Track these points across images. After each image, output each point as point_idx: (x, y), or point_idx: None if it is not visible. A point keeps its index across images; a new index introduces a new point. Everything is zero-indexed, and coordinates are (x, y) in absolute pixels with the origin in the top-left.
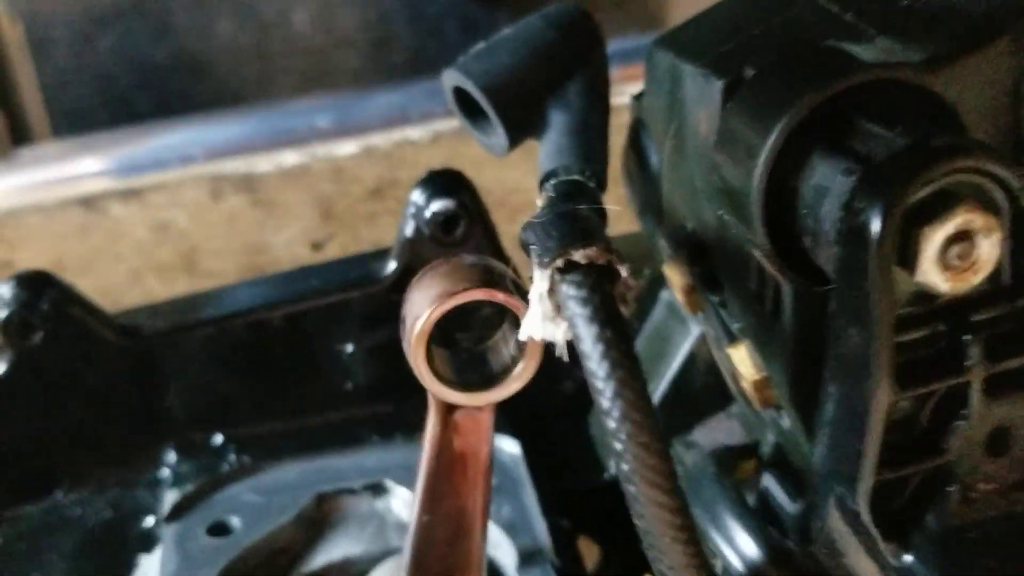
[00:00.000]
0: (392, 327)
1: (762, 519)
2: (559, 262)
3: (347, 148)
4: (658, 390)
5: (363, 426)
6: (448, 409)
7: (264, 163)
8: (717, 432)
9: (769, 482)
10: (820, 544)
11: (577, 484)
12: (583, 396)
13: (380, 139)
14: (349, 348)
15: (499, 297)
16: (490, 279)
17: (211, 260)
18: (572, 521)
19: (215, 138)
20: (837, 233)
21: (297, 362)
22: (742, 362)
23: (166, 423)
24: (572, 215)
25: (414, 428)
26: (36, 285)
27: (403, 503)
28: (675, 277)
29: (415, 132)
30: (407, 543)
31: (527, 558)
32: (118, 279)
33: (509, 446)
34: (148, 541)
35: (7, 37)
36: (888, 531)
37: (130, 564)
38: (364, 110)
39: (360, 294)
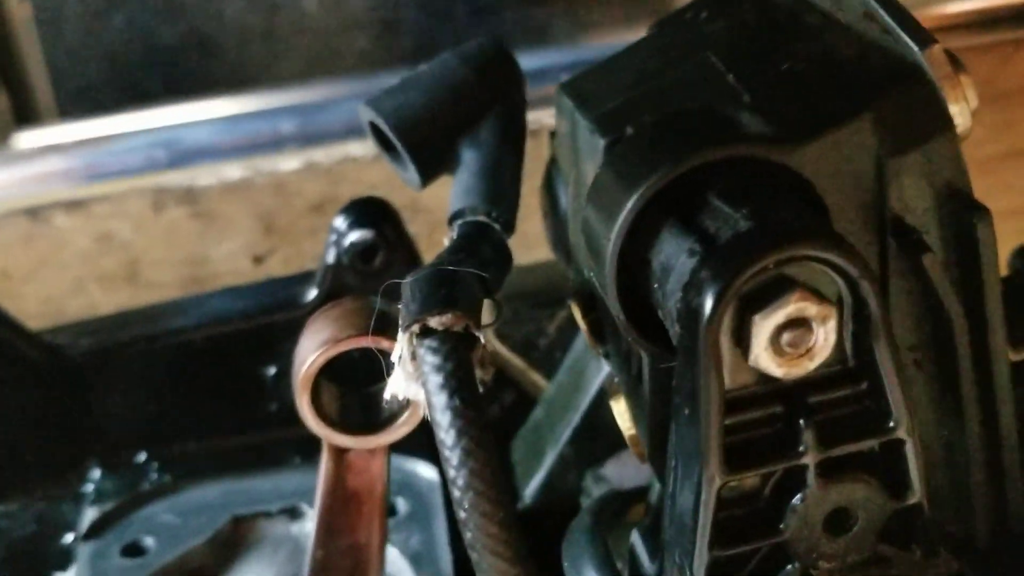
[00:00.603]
0: None
1: None
2: (415, 327)
3: (290, 163)
4: (573, 422)
5: (285, 448)
6: (340, 449)
7: (206, 176)
8: (627, 467)
9: (635, 539)
10: None
11: None
12: (508, 421)
13: (322, 155)
14: (272, 370)
15: (384, 345)
16: (379, 325)
17: (153, 271)
18: None
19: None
20: (677, 312)
21: (221, 383)
22: (621, 415)
23: (92, 440)
24: (440, 277)
25: None
26: None
27: None
28: (578, 317)
29: (354, 147)
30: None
31: None
32: (62, 288)
33: (426, 471)
34: (65, 559)
35: (15, 15)
36: None
37: None
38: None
39: (283, 318)
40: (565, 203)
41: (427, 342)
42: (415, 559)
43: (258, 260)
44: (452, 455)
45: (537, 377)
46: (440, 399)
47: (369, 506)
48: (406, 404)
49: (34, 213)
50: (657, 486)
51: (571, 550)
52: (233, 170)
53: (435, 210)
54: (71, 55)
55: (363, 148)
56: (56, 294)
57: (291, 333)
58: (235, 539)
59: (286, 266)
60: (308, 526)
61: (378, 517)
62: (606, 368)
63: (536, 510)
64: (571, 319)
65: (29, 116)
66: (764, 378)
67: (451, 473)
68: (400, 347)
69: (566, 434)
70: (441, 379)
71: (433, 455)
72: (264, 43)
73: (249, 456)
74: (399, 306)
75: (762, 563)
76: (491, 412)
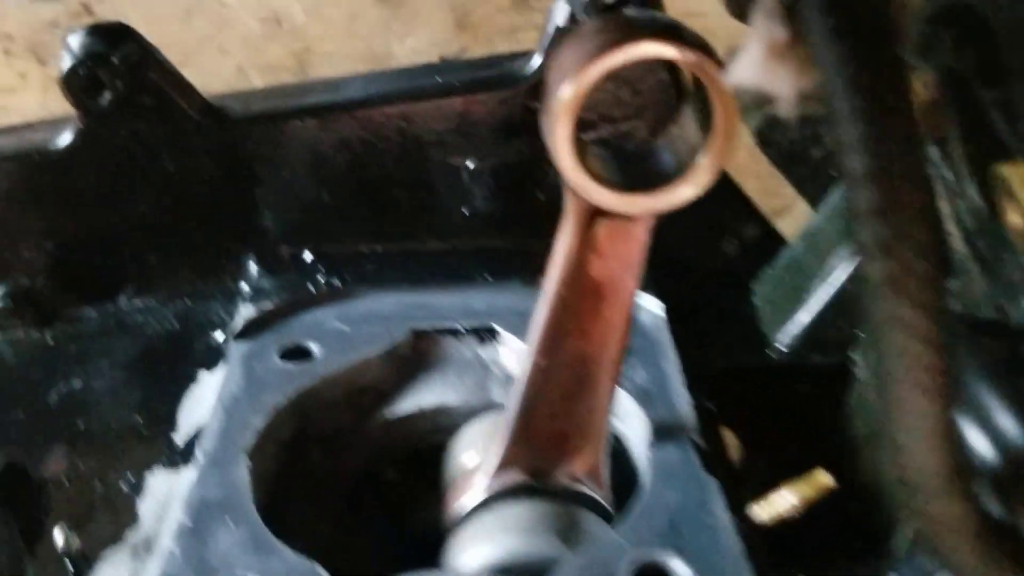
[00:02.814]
0: (527, 143)
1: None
2: None
3: None
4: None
5: (476, 261)
6: (590, 217)
7: None
8: None
9: None
10: None
11: (730, 363)
12: (748, 261)
13: None
14: (471, 165)
15: (676, 54)
16: (666, 31)
17: (325, 64)
18: (719, 407)
19: None
20: None
21: (407, 174)
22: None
23: (250, 229)
24: None
25: (535, 272)
26: (111, 37)
27: (513, 355)
28: (916, 89)
29: None
30: (515, 391)
31: (662, 433)
32: (221, 76)
33: (651, 305)
34: (213, 357)
35: None
36: None
37: (188, 379)
38: None
39: (491, 98)
40: None
41: None
42: (643, 397)
43: (447, 61)
44: (861, 150)
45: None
46: (845, 72)
47: (612, 305)
48: (693, 155)
49: None
50: None
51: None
52: None
53: None
54: None
55: None
56: (214, 83)
57: (499, 119)
58: (415, 356)
59: None
60: (501, 352)
61: (621, 322)
62: None
63: (790, 367)
64: None
65: None
66: None
67: (859, 175)
68: (766, 2)
69: (850, 268)
70: (846, 25)
71: (659, 293)
72: None
73: (430, 266)
74: None
75: None
76: (727, 248)
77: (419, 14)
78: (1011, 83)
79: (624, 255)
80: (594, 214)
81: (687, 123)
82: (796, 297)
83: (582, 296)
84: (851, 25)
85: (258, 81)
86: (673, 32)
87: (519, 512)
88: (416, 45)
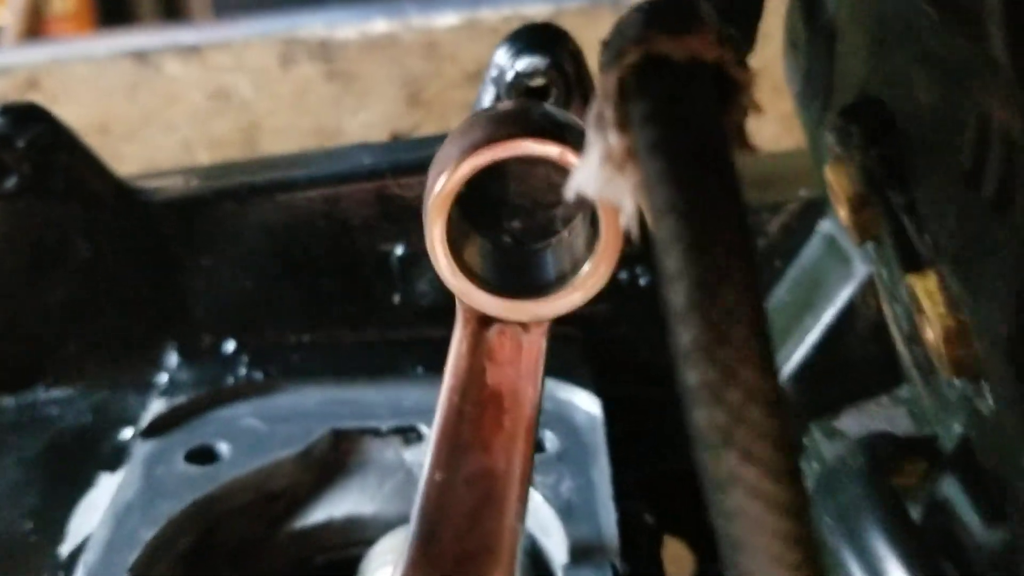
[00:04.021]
0: None
1: (930, 545)
2: (634, 55)
3: (447, 19)
4: (799, 352)
5: (409, 352)
6: (480, 324)
7: (345, 27)
8: (875, 421)
9: (951, 491)
10: None
11: (678, 464)
12: None
13: (487, 10)
14: (399, 250)
15: (554, 152)
16: (549, 130)
17: (274, 139)
18: (660, 516)
19: None
20: None
21: (335, 261)
22: (929, 297)
23: (171, 316)
24: (674, 3)
25: None
26: (19, 119)
27: None
28: (841, 183)
29: (530, 6)
30: (415, 508)
31: (581, 553)
32: (167, 151)
33: (587, 404)
34: (118, 458)
35: None
36: None
37: (89, 482)
38: None
39: (418, 181)
40: (833, 7)
41: (652, 80)
42: (565, 511)
43: (397, 138)
44: (681, 281)
45: None
46: (668, 169)
47: (513, 417)
48: (583, 258)
49: (142, 57)
50: (956, 430)
51: (838, 499)
52: (378, 23)
53: None
54: None
55: (538, 4)
56: (160, 157)
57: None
58: (333, 459)
59: None
60: (428, 454)
61: (524, 434)
62: (859, 276)
63: None
64: (802, 216)
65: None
66: None
67: (679, 311)
68: (601, 99)
69: (789, 369)
70: (676, 138)
71: (596, 384)
72: None
73: (361, 359)
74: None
75: None
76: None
77: (371, 90)
78: (914, 187)
79: (521, 363)
80: (485, 321)
81: (579, 227)
82: None
83: (480, 406)
84: (674, 140)
85: (205, 157)
86: (557, 131)
87: None
88: (368, 120)
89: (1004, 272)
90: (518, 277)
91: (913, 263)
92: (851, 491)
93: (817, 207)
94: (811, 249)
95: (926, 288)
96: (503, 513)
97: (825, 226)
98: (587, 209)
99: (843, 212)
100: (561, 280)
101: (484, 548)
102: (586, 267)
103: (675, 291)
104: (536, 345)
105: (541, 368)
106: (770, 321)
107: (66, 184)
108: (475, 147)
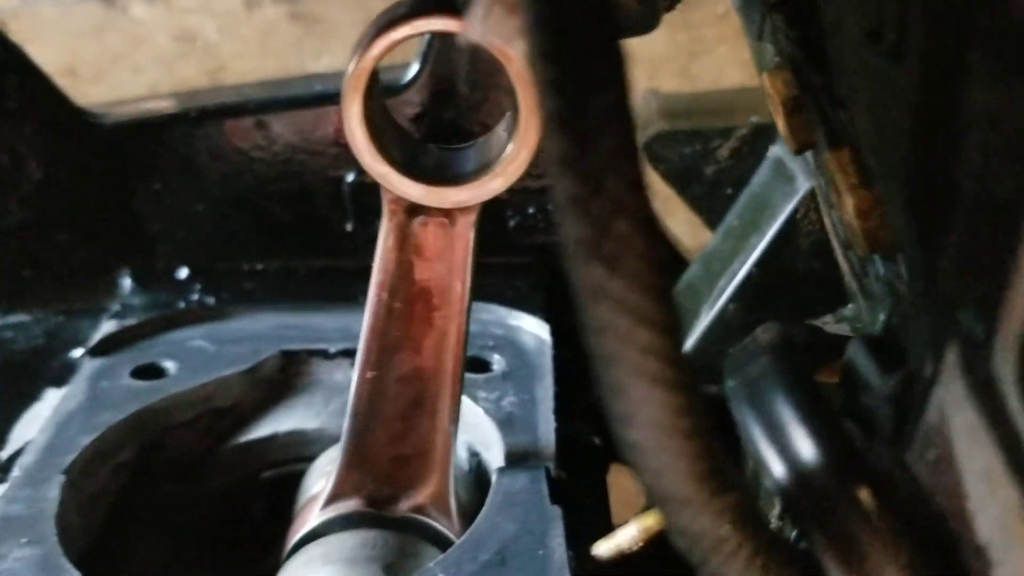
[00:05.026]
0: None
1: (837, 413)
2: None
3: None
4: (742, 269)
5: (359, 280)
6: (406, 215)
7: None
8: None
9: (857, 351)
10: (919, 442)
11: None
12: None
13: None
14: (350, 177)
15: (454, 25)
16: (451, 6)
17: (239, 81)
18: (609, 442)
19: None
20: None
21: (286, 188)
22: (843, 170)
23: (126, 242)
24: None
25: None
26: None
27: None
28: (777, 87)
29: None
30: (348, 409)
31: (517, 458)
32: (133, 93)
33: (536, 328)
34: (66, 374)
35: None
36: None
37: (35, 397)
38: None
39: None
40: None
41: None
42: (505, 422)
43: None
44: (551, 95)
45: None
46: (540, 17)
47: (444, 315)
48: (506, 147)
49: (109, 0)
50: (880, 320)
51: (750, 364)
52: None
53: None
54: None
55: None
56: (127, 99)
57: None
58: (281, 379)
59: None
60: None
61: (454, 333)
62: (801, 191)
63: None
64: (753, 142)
65: None
66: None
67: (548, 126)
68: None
69: (732, 287)
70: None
71: (549, 312)
72: None
73: (313, 286)
74: None
75: None
76: None
77: (334, 31)
78: (831, 66)
79: (450, 258)
80: (410, 212)
81: (502, 126)
82: (688, 322)
83: (409, 303)
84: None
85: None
86: (458, 6)
87: (344, 542)
88: (331, 62)
89: (896, 117)
90: (441, 171)
91: (832, 142)
92: (759, 362)
93: (768, 133)
94: (760, 174)
95: (840, 162)
96: (435, 414)
97: (775, 151)
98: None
99: (780, 120)
100: (484, 169)
101: (418, 451)
102: (507, 152)
103: (547, 99)
104: (463, 239)
105: (470, 264)
106: (718, 246)
107: (18, 105)
108: (385, 28)
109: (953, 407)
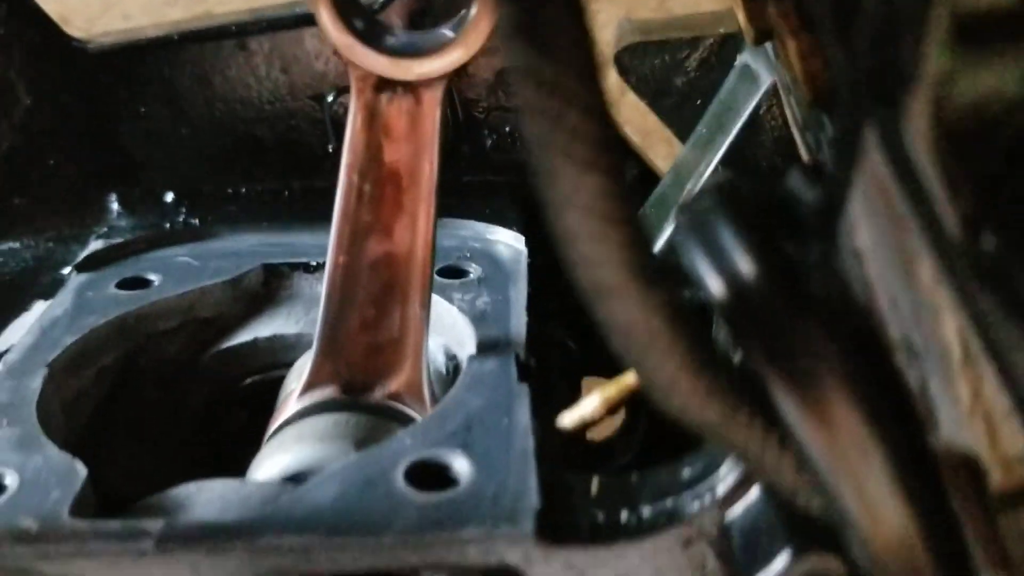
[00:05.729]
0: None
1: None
2: None
3: None
4: (707, 169)
5: None
6: (373, 92)
7: None
8: None
9: (792, 175)
10: (844, 238)
11: None
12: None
13: None
14: (331, 97)
15: None
16: None
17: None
18: (585, 352)
19: None
20: None
21: (271, 110)
22: (784, 18)
23: (112, 167)
24: None
25: None
26: None
27: None
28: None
29: None
30: (322, 298)
31: (488, 347)
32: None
33: (512, 241)
34: (53, 288)
35: None
36: (959, 187)
37: (24, 309)
38: None
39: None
40: None
41: None
42: (479, 318)
43: None
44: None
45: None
46: None
47: (413, 196)
48: (463, 20)
49: None
50: None
51: (697, 204)
52: None
53: None
54: None
55: None
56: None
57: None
58: (264, 291)
59: None
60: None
61: (424, 216)
62: (763, 87)
63: None
64: (720, 52)
65: None
66: None
67: (505, 13)
68: None
69: (695, 187)
70: None
71: (526, 227)
72: None
73: (297, 206)
74: None
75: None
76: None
77: None
78: None
79: (417, 137)
80: (376, 88)
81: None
82: (658, 232)
83: (379, 185)
84: None
85: (137, 12)
86: None
87: (317, 423)
88: None
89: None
90: (407, 48)
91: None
92: (704, 198)
93: (736, 43)
94: (727, 82)
95: (783, 11)
96: (407, 299)
97: (741, 58)
98: None
99: (739, 12)
100: (445, 43)
101: (391, 339)
102: (467, 22)
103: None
104: (430, 117)
105: (436, 144)
106: (687, 155)
107: (7, 31)
108: None
109: (872, 189)
